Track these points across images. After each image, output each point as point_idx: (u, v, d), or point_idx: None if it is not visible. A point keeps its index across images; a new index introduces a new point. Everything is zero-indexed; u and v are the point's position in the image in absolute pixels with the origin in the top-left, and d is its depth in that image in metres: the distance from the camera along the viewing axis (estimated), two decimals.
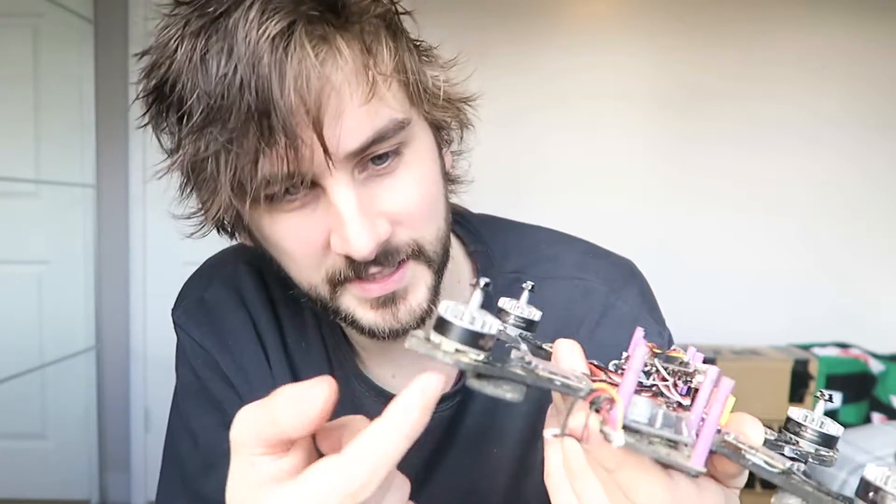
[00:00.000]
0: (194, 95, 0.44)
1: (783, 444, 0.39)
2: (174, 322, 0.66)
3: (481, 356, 0.29)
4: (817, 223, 2.57)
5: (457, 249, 0.64)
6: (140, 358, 2.66)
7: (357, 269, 0.49)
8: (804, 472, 0.30)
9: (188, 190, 0.51)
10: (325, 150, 0.44)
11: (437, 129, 0.55)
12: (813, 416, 0.39)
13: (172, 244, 2.63)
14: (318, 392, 0.33)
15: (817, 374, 2.24)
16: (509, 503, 0.65)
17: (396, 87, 0.48)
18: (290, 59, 0.42)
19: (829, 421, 0.39)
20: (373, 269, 0.50)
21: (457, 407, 0.63)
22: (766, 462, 0.30)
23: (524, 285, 0.45)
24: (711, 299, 2.51)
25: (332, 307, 0.53)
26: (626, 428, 0.29)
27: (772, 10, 2.52)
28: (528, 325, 0.45)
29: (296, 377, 0.64)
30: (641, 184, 2.58)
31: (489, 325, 0.30)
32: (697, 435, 0.30)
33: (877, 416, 2.30)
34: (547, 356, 0.42)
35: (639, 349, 0.30)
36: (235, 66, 0.42)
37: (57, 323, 2.59)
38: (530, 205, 2.55)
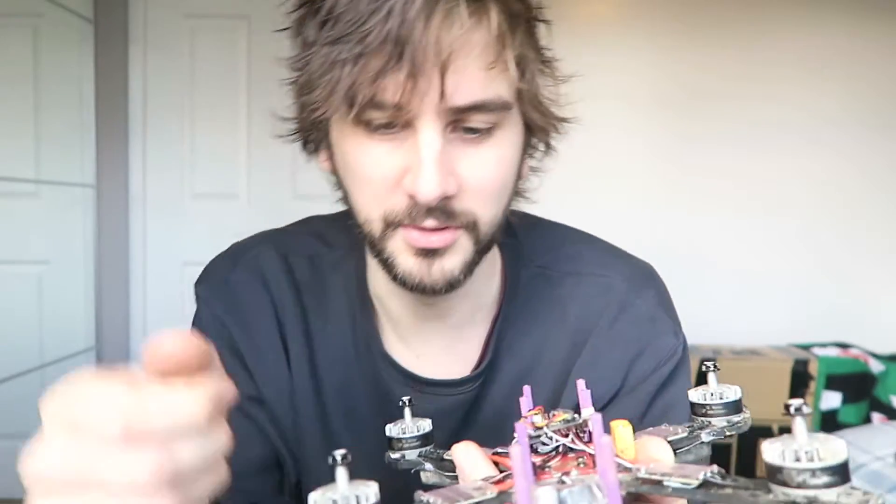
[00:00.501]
0: (344, 9, 0.48)
1: (699, 430, 0.38)
2: (196, 295, 0.68)
3: None
4: (817, 223, 2.57)
5: None
6: (140, 358, 2.66)
7: (413, 216, 0.52)
8: (719, 474, 0.30)
9: (304, 92, 0.54)
10: (442, 93, 0.48)
11: (529, 132, 0.58)
12: (710, 391, 0.39)
13: (172, 244, 2.63)
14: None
15: (817, 374, 2.24)
16: None
17: (513, 74, 0.52)
18: (442, 6, 0.47)
19: (726, 387, 0.39)
20: (427, 221, 0.52)
21: (478, 390, 0.64)
22: (683, 482, 0.29)
23: (402, 400, 0.46)
24: (711, 299, 2.51)
25: (380, 246, 0.55)
26: None
27: (771, 10, 2.52)
28: (424, 439, 0.45)
29: (313, 362, 0.66)
30: (641, 184, 2.58)
31: (364, 496, 0.29)
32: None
33: (877, 416, 2.30)
34: (452, 464, 0.41)
35: (513, 450, 0.29)
36: None
37: (57, 323, 2.59)
38: (531, 204, 2.55)
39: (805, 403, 0.28)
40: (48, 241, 2.61)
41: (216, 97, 2.62)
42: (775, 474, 0.27)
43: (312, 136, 0.60)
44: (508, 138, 0.55)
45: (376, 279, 0.65)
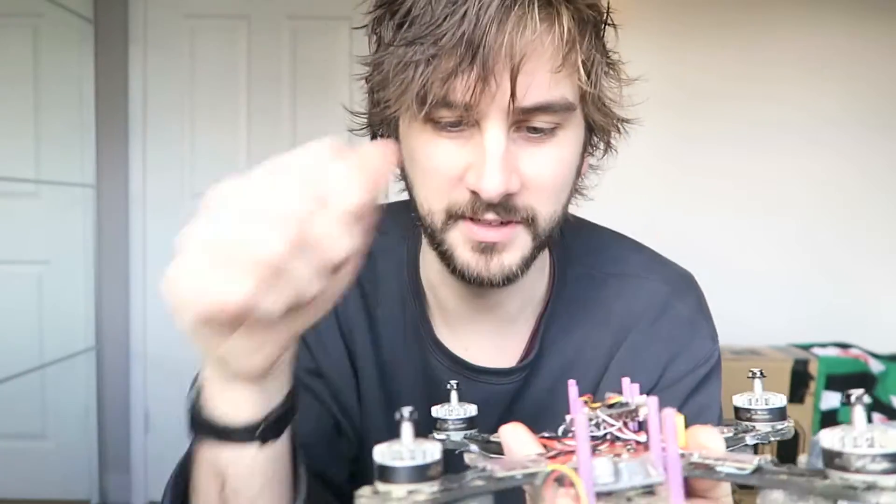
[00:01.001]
0: (420, 11, 0.50)
1: (743, 433, 0.39)
2: None
3: (435, 487, 0.29)
4: (817, 223, 2.57)
5: None
6: (140, 358, 2.66)
7: (475, 210, 0.54)
8: (772, 462, 0.30)
9: (377, 89, 0.56)
10: (513, 94, 0.50)
11: (590, 131, 0.60)
12: (756, 397, 0.40)
13: (172, 244, 2.63)
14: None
15: (817, 374, 2.24)
16: None
17: (580, 77, 0.54)
18: (515, 11, 0.48)
19: (771, 395, 0.40)
20: (488, 216, 0.54)
21: (521, 382, 0.66)
22: (737, 468, 0.30)
23: (450, 383, 0.48)
24: (711, 299, 2.49)
25: (440, 237, 0.57)
26: (598, 494, 0.28)
27: (771, 11, 2.52)
28: (469, 423, 0.46)
29: (376, 343, 0.67)
30: (642, 183, 2.58)
31: (429, 452, 0.29)
32: (665, 469, 0.29)
33: (877, 417, 2.30)
34: (497, 447, 0.42)
35: (578, 416, 0.29)
36: (467, 1, 0.48)
37: (57, 323, 2.59)
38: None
39: (866, 393, 0.28)
40: (48, 241, 2.61)
41: (216, 97, 2.62)
42: (833, 459, 0.28)
43: (381, 130, 0.62)
44: (570, 138, 0.56)
45: (429, 267, 0.66)
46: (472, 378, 0.65)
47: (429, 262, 0.66)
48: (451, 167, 0.54)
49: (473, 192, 0.53)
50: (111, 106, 2.61)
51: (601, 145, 0.63)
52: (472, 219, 0.55)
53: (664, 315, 0.67)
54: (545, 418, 0.66)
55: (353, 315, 0.67)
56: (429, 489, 0.28)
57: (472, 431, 0.46)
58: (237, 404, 0.44)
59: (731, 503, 0.37)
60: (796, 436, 2.25)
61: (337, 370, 0.67)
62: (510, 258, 0.56)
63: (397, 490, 0.28)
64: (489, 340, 0.66)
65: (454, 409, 0.46)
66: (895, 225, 2.57)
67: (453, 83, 0.50)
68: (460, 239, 0.56)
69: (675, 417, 0.29)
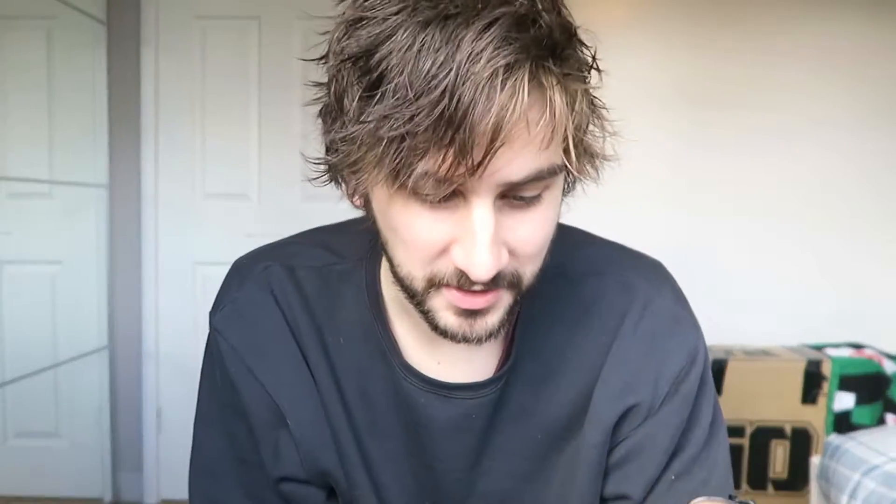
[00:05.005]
0: (398, 81, 0.44)
1: None
2: (212, 326, 0.66)
3: None
4: (832, 223, 2.55)
5: None
6: (152, 357, 2.68)
7: (461, 282, 0.52)
8: None
9: (343, 164, 0.51)
10: (496, 171, 0.46)
11: (570, 178, 0.57)
12: None
13: (184, 244, 2.65)
14: None
15: (830, 374, 2.23)
16: (561, 489, 0.67)
17: (571, 145, 0.51)
18: (503, 93, 0.43)
19: None
20: (474, 287, 0.52)
21: (501, 391, 0.64)
22: None
23: None
24: (723, 299, 2.49)
25: (420, 299, 0.55)
26: None
27: (774, 14, 2.50)
28: None
29: (335, 374, 0.65)
30: (654, 186, 2.57)
31: None
32: None
33: (891, 418, 2.28)
34: None
35: None
36: (449, 72, 0.43)
37: (70, 322, 2.61)
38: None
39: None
40: (61, 242, 2.63)
41: (227, 98, 2.64)
42: None
43: (345, 182, 0.57)
44: (555, 195, 0.54)
45: (398, 289, 0.64)
46: (448, 395, 0.63)
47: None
48: (435, 241, 0.51)
49: (460, 269, 0.51)
50: (124, 107, 2.63)
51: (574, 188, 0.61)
52: (456, 287, 0.52)
53: (647, 310, 0.65)
54: (531, 424, 0.65)
55: (313, 351, 0.65)
56: None
57: None
58: None
59: None
60: (809, 437, 2.23)
61: (310, 414, 0.65)
62: (493, 319, 0.55)
63: None
64: (463, 353, 0.63)
65: None
66: None
67: (431, 160, 0.45)
68: (443, 304, 0.54)
69: None
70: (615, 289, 0.66)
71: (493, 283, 0.52)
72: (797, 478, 2.24)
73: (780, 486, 2.27)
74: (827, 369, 2.23)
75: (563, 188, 0.57)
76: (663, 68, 2.54)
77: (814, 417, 2.23)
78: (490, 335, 0.55)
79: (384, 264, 0.63)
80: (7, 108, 2.56)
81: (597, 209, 2.53)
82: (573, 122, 0.49)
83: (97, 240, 2.64)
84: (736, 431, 2.24)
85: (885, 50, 2.50)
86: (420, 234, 0.51)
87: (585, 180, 0.58)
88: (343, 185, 0.57)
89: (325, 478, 0.66)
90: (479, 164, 0.45)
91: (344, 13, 0.48)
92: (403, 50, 0.44)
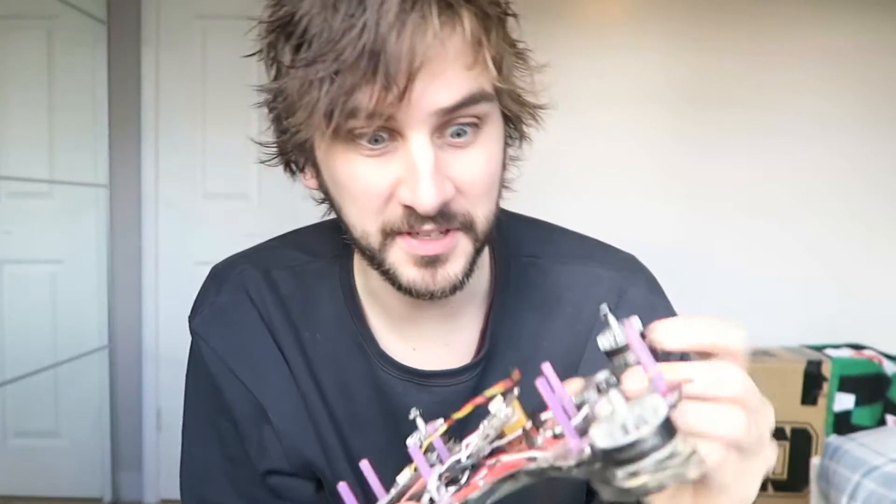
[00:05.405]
0: (317, 30, 0.49)
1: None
2: (192, 331, 0.68)
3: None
4: (832, 223, 2.56)
5: None
6: (152, 357, 2.68)
7: (412, 224, 0.53)
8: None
9: (284, 116, 0.55)
10: (424, 100, 0.49)
11: (508, 123, 0.59)
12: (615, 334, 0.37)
13: (185, 244, 2.65)
14: None
15: (830, 375, 2.23)
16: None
17: (492, 72, 0.53)
18: (414, 17, 0.47)
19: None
20: (427, 227, 0.53)
21: (477, 380, 0.65)
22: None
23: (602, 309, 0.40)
24: (723, 299, 2.49)
25: (379, 258, 0.56)
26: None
27: (776, 14, 2.50)
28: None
29: (312, 369, 0.66)
30: (651, 186, 2.57)
31: (654, 408, 0.28)
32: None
33: (891, 419, 2.28)
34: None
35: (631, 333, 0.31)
36: (364, 11, 0.47)
37: (70, 322, 2.61)
38: (540, 204, 2.55)
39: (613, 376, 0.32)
40: (62, 241, 2.63)
41: (228, 97, 2.63)
42: (612, 357, 0.33)
43: (295, 157, 0.61)
44: (493, 135, 0.55)
45: (370, 276, 0.65)
46: (424, 383, 0.64)
47: (368, 271, 0.64)
48: (379, 185, 0.52)
49: (407, 207, 0.52)
50: (124, 106, 2.63)
51: (517, 136, 0.62)
52: (409, 233, 0.53)
53: (622, 301, 0.66)
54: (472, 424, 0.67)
55: (290, 349, 0.66)
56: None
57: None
58: None
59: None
60: (809, 438, 2.23)
61: (292, 409, 0.66)
62: (454, 267, 0.55)
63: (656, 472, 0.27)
64: (438, 342, 0.65)
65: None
66: None
67: (360, 96, 0.48)
68: (402, 257, 0.55)
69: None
70: (588, 278, 0.67)
71: (444, 221, 0.53)
72: (797, 478, 2.24)
73: (779, 486, 2.27)
74: (827, 370, 2.23)
75: (507, 135, 0.59)
76: (664, 67, 2.54)
77: (814, 418, 2.23)
78: (454, 287, 0.56)
79: (357, 257, 0.65)
80: (7, 107, 2.57)
81: (597, 209, 2.54)
82: (491, 45, 0.52)
83: (97, 240, 2.64)
84: None
85: (886, 50, 2.50)
86: (365, 182, 0.53)
87: (525, 123, 0.60)
88: (293, 160, 0.61)
89: (310, 470, 0.68)
90: (405, 89, 0.48)
91: None
92: (320, 3, 0.49)
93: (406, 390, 0.64)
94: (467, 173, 0.53)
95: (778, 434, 2.24)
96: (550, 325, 0.66)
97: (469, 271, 0.57)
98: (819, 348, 2.38)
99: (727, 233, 2.56)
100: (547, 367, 0.35)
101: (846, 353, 2.32)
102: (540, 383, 0.34)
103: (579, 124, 2.54)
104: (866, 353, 2.33)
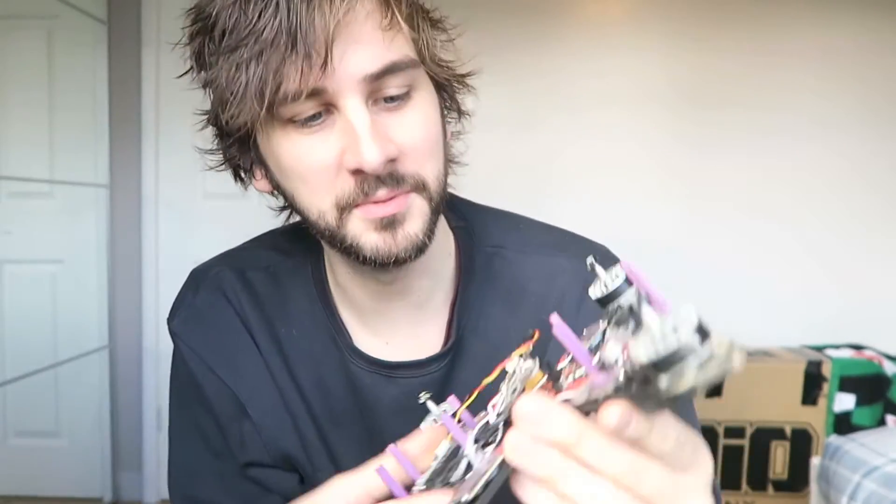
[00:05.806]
0: (235, 18, 0.51)
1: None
2: (171, 332, 0.70)
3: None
4: (832, 223, 2.55)
5: (442, 224, 0.66)
6: (152, 357, 2.68)
7: (366, 190, 0.54)
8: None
9: (220, 110, 0.55)
10: (348, 66, 0.51)
11: (440, 89, 0.61)
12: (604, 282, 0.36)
13: (185, 244, 2.65)
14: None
15: (831, 375, 2.23)
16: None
17: (409, 33, 0.55)
18: None
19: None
20: (380, 192, 0.54)
21: (446, 370, 0.65)
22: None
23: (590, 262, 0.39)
24: (723, 300, 2.49)
25: (339, 235, 0.56)
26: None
27: (774, 13, 2.50)
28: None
29: (289, 365, 0.67)
30: (651, 186, 2.57)
31: (686, 316, 0.28)
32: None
33: (891, 419, 2.28)
34: None
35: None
36: None
37: (70, 322, 2.61)
38: (540, 204, 2.55)
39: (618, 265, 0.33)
40: (62, 241, 2.63)
41: None
42: (607, 304, 0.33)
43: (240, 159, 0.62)
44: (426, 98, 0.57)
45: (337, 272, 0.66)
46: (391, 375, 0.65)
47: (336, 266, 0.65)
48: (324, 159, 0.54)
49: (356, 173, 0.53)
50: (124, 107, 2.63)
51: (454, 106, 0.64)
52: (365, 202, 0.55)
53: (586, 294, 0.64)
54: (481, 402, 0.67)
55: (267, 346, 0.67)
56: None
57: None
58: None
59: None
60: (809, 438, 2.23)
61: (271, 406, 0.67)
62: (413, 226, 0.56)
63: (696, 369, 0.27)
64: (407, 333, 0.66)
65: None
66: None
67: (286, 70, 0.50)
68: (360, 226, 0.55)
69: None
70: (553, 270, 0.67)
71: (395, 184, 0.54)
72: (797, 479, 2.24)
73: (780, 486, 2.27)
74: (827, 370, 2.23)
75: (441, 105, 0.60)
76: (664, 67, 2.54)
77: (814, 418, 2.23)
78: (417, 247, 0.56)
79: (326, 253, 0.66)
80: (7, 107, 2.57)
81: (597, 209, 2.54)
82: (403, 11, 0.54)
83: (97, 240, 2.64)
84: (736, 432, 2.24)
85: (886, 50, 2.50)
86: (310, 158, 0.54)
87: (456, 90, 0.62)
88: (240, 163, 0.63)
89: (290, 462, 0.68)
90: (326, 56, 0.50)
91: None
92: (231, 3, 0.51)
93: (374, 382, 0.65)
94: (407, 134, 0.55)
95: (778, 434, 2.24)
96: (516, 315, 0.66)
97: (429, 232, 0.57)
98: (819, 348, 2.38)
99: (727, 233, 2.56)
100: (556, 318, 0.36)
101: (846, 354, 2.32)
102: (558, 330, 0.35)
103: (579, 124, 2.54)
104: (866, 353, 2.33)
